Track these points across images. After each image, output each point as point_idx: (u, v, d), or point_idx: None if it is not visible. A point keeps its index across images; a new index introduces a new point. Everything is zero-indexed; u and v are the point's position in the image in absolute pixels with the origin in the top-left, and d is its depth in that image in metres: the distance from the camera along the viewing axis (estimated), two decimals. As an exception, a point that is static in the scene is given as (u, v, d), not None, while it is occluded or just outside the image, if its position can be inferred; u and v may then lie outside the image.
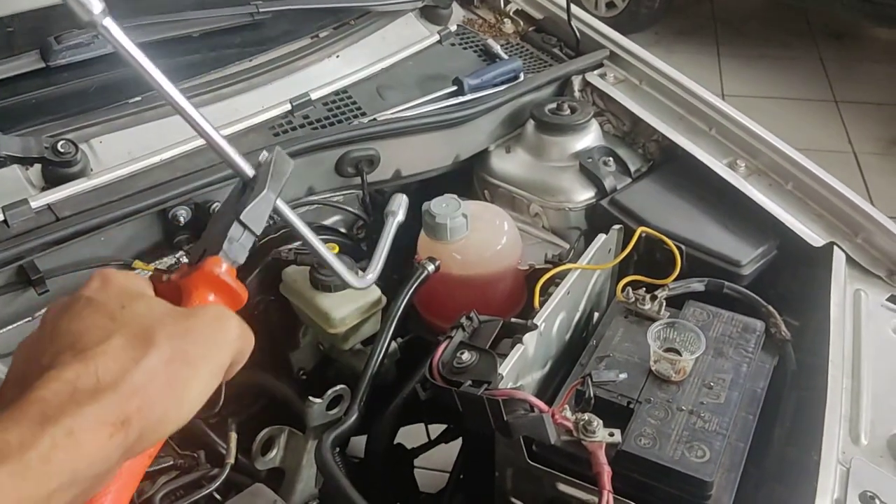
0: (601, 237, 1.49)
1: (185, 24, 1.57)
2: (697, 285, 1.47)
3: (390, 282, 1.55)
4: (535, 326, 1.30)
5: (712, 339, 1.35)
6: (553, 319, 1.36)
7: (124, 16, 1.50)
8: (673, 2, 5.84)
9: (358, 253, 1.72)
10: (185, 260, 1.39)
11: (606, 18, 5.44)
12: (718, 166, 1.65)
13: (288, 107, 1.55)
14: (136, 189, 1.34)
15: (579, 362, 1.36)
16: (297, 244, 1.54)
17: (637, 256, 1.58)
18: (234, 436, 1.33)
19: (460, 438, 1.98)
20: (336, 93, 1.63)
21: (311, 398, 1.32)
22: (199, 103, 1.52)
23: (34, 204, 1.27)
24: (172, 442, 1.33)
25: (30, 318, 1.34)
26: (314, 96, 1.59)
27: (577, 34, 1.91)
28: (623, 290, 1.44)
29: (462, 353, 1.24)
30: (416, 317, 1.65)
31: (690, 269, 1.51)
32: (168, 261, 1.41)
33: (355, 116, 1.61)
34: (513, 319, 1.34)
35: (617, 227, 1.53)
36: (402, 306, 1.44)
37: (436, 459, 2.07)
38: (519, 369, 1.28)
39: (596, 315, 1.58)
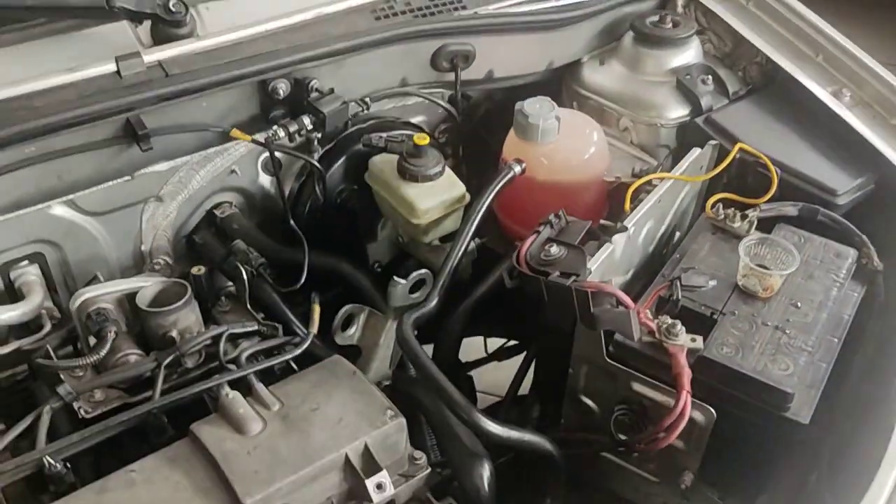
0: (696, 150, 1.47)
1: None
2: (791, 209, 1.45)
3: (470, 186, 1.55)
4: (626, 228, 1.29)
5: (803, 262, 1.33)
6: (641, 225, 1.35)
7: None
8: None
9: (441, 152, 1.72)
10: (281, 133, 1.40)
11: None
12: (822, 94, 1.60)
13: (391, -10, 1.54)
14: (240, 56, 1.35)
15: (661, 273, 1.35)
16: (388, 133, 1.55)
17: (727, 178, 1.55)
18: (316, 308, 1.36)
19: (515, 357, 2.01)
20: (439, -17, 1.61)
21: (395, 278, 1.34)
22: (302, -22, 1.51)
23: (146, 58, 1.29)
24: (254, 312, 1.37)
25: (129, 177, 1.37)
26: (417, -17, 1.57)
27: (686, -51, 1.84)
28: (713, 207, 1.42)
29: (551, 247, 1.24)
30: (492, 224, 1.65)
31: (783, 194, 1.48)
32: (263, 134, 1.42)
33: (455, 9, 1.59)
34: (602, 221, 1.33)
35: (713, 142, 1.50)
36: (486, 204, 1.43)
37: (484, 382, 2.10)
38: (604, 269, 1.28)
39: (678, 234, 1.57)
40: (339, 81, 1.48)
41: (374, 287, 1.50)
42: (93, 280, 1.42)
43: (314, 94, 1.42)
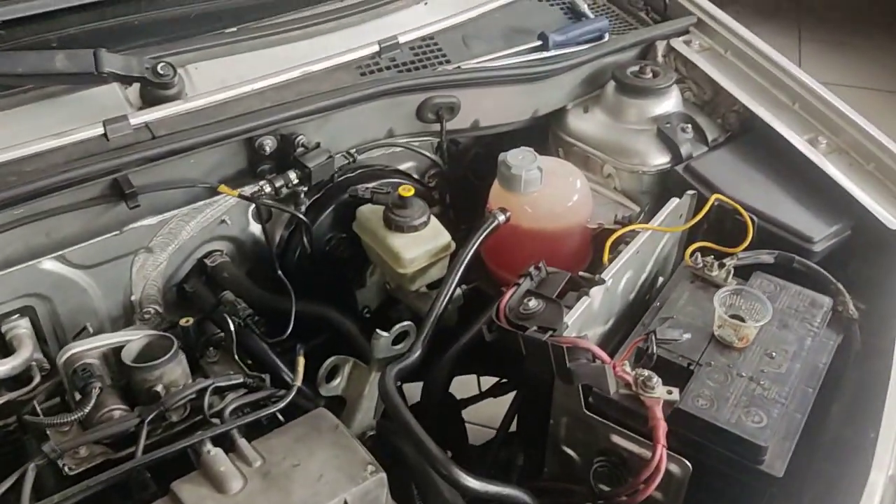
0: (674, 201, 1.50)
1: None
2: (767, 257, 1.47)
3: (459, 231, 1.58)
4: (603, 281, 1.32)
5: (778, 311, 1.35)
6: (620, 277, 1.38)
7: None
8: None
9: (429, 199, 1.76)
10: (267, 188, 1.44)
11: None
12: (798, 141, 1.63)
13: (376, 48, 1.58)
14: (227, 115, 1.39)
15: (642, 322, 1.38)
16: (374, 183, 1.58)
17: (707, 225, 1.58)
18: (301, 360, 1.38)
19: (510, 393, 2.03)
20: (423, 38, 1.65)
21: (378, 331, 1.36)
22: (288, 39, 1.56)
23: (133, 121, 1.33)
24: (241, 363, 1.39)
25: (118, 232, 1.41)
26: (402, 40, 1.61)
27: (666, 1, 1.89)
28: (692, 255, 1.45)
29: (529, 300, 1.27)
30: (481, 269, 1.68)
31: (760, 241, 1.50)
32: (251, 188, 1.45)
33: (440, 63, 1.63)
34: (581, 273, 1.36)
35: (691, 192, 1.53)
36: (471, 252, 1.46)
37: (480, 414, 2.13)
38: (583, 321, 1.30)
39: (661, 280, 1.59)
40: (326, 135, 1.52)
41: (362, 334, 1.52)
42: (82, 332, 1.44)
43: (300, 150, 1.46)
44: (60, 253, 1.37)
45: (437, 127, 1.67)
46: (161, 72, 1.37)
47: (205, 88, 1.45)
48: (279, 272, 1.52)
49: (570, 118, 1.82)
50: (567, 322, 1.24)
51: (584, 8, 1.87)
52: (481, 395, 2.17)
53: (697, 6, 1.90)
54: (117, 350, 1.31)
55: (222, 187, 1.41)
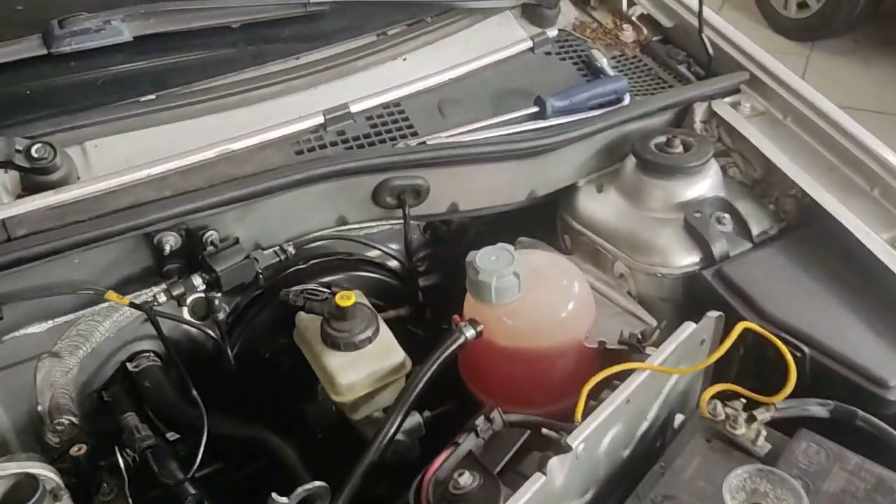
0: (689, 327, 1.12)
1: (225, 12, 1.34)
2: (818, 409, 1.08)
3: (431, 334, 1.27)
4: (568, 448, 0.96)
5: (827, 497, 0.96)
6: (601, 436, 1.02)
7: (154, -2, 1.30)
8: (879, 7, 4.97)
9: (403, 295, 1.45)
10: (162, 298, 1.16)
11: (796, 20, 4.61)
12: (875, 242, 1.23)
13: (320, 119, 1.29)
14: (113, 207, 1.12)
15: (636, 493, 1.01)
16: (310, 285, 1.29)
17: (743, 351, 1.20)
18: None
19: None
20: (385, 105, 1.35)
21: (273, 496, 1.06)
22: (220, 107, 1.29)
23: (-12, 217, 1.09)
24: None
25: (-1, 342, 1.17)
26: (356, 108, 1.31)
27: (710, 49, 1.52)
28: (709, 403, 1.07)
29: (461, 474, 0.93)
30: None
31: (815, 380, 1.12)
32: (148, 292, 1.18)
33: (403, 136, 1.32)
34: (544, 430, 1.01)
35: (714, 314, 1.15)
36: (426, 377, 1.15)
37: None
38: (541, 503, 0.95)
39: (678, 418, 1.22)
40: (251, 227, 1.24)
41: (302, 462, 1.23)
42: None
43: (209, 248, 1.18)
44: None
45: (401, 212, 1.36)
46: (36, 154, 1.12)
47: (103, 171, 1.19)
48: (193, 391, 1.24)
49: (580, 199, 1.47)
50: (507, 513, 0.89)
51: (603, 63, 1.52)
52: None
53: (750, 58, 1.51)
54: (-18, 488, 1.08)
55: (110, 294, 1.15)
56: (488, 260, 1.21)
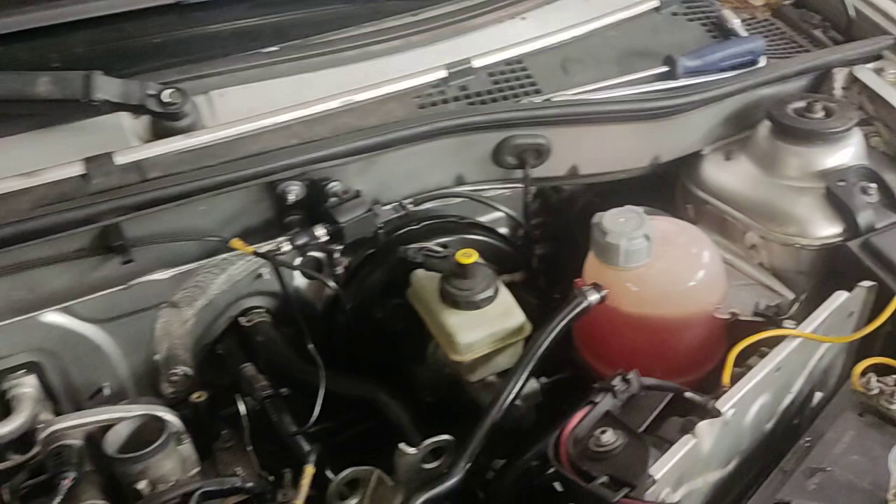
0: (840, 296, 1.05)
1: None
2: (981, 388, 0.99)
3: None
4: (718, 413, 0.90)
5: None
6: (749, 403, 0.95)
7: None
8: None
9: (515, 261, 1.40)
10: (286, 247, 1.15)
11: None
12: None
13: (443, 73, 1.25)
14: (240, 155, 1.11)
15: (781, 467, 0.96)
16: (433, 242, 1.26)
17: (893, 328, 1.11)
18: (309, 470, 1.08)
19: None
20: (507, 62, 1.30)
21: (401, 446, 1.03)
22: (340, 61, 1.27)
23: (122, 159, 1.09)
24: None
25: (124, 287, 1.17)
26: (478, 63, 1.27)
27: (850, 11, 1.42)
28: (863, 376, 0.99)
29: (604, 432, 0.88)
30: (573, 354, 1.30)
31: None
32: (271, 243, 1.17)
33: (526, 94, 1.28)
34: (688, 394, 0.95)
35: (867, 283, 1.07)
36: (548, 341, 1.11)
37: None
38: (685, 470, 0.90)
39: (818, 396, 1.14)
40: (372, 181, 1.21)
41: (418, 425, 1.20)
42: (98, 393, 1.26)
43: (332, 200, 1.16)
44: (66, 305, 1.17)
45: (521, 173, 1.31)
46: (166, 99, 1.12)
47: (228, 119, 1.18)
48: (310, 345, 1.22)
49: (705, 167, 1.39)
50: (654, 475, 0.84)
51: (736, 24, 1.44)
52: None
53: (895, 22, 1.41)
54: (107, 429, 1.10)
55: (235, 242, 1.14)
56: (616, 221, 1.16)
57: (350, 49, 1.28)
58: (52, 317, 1.16)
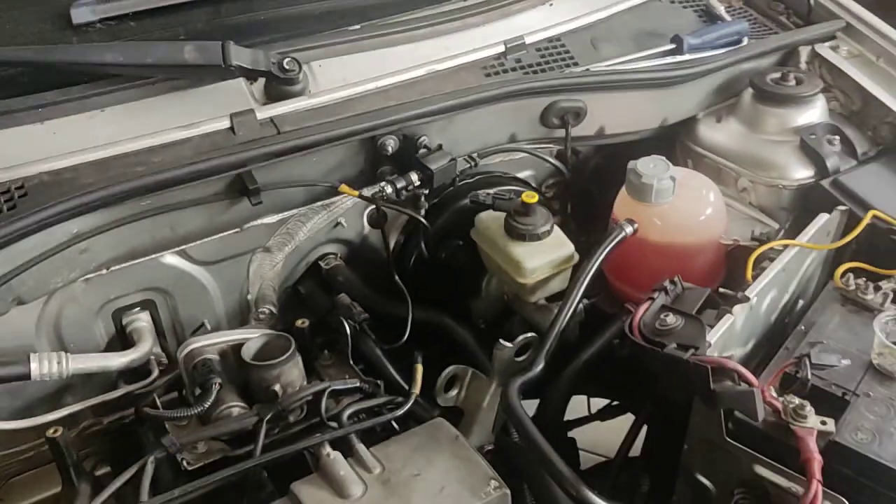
0: (823, 216, 1.37)
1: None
2: (930, 281, 1.33)
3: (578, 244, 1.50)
4: (747, 298, 1.21)
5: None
6: (764, 295, 1.26)
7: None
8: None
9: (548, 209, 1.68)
10: (388, 189, 1.39)
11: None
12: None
13: (501, 48, 1.53)
14: (350, 113, 1.36)
15: (785, 346, 1.26)
16: (496, 189, 1.53)
17: (856, 246, 1.45)
18: (419, 367, 1.33)
19: (618, 418, 1.92)
20: (549, 39, 1.59)
21: (501, 341, 1.29)
22: (411, 38, 1.53)
23: (259, 115, 1.32)
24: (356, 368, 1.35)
25: (238, 230, 1.39)
26: (528, 41, 1.55)
27: (811, 1, 1.76)
28: (842, 276, 1.32)
29: (666, 316, 1.18)
30: (602, 284, 1.59)
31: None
32: (371, 189, 1.41)
33: (567, 66, 1.57)
34: (721, 290, 1.26)
35: (842, 207, 1.40)
36: (596, 265, 1.38)
37: (585, 439, 2.00)
38: (724, 341, 1.20)
39: (801, 303, 1.47)
40: (448, 138, 1.47)
41: (478, 344, 1.47)
42: (200, 328, 1.45)
43: (422, 151, 1.42)
44: (182, 248, 1.37)
45: (559, 133, 1.59)
46: (287, 67, 1.35)
47: (328, 86, 1.42)
48: (396, 277, 1.47)
49: (701, 128, 1.71)
50: (709, 341, 1.14)
51: (721, 10, 1.76)
52: (590, 418, 2.06)
53: (845, 9, 1.76)
54: (236, 348, 1.30)
55: (343, 187, 1.38)
56: (648, 167, 1.45)
57: (418, 28, 1.54)
58: (170, 259, 1.36)
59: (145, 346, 1.37)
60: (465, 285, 1.61)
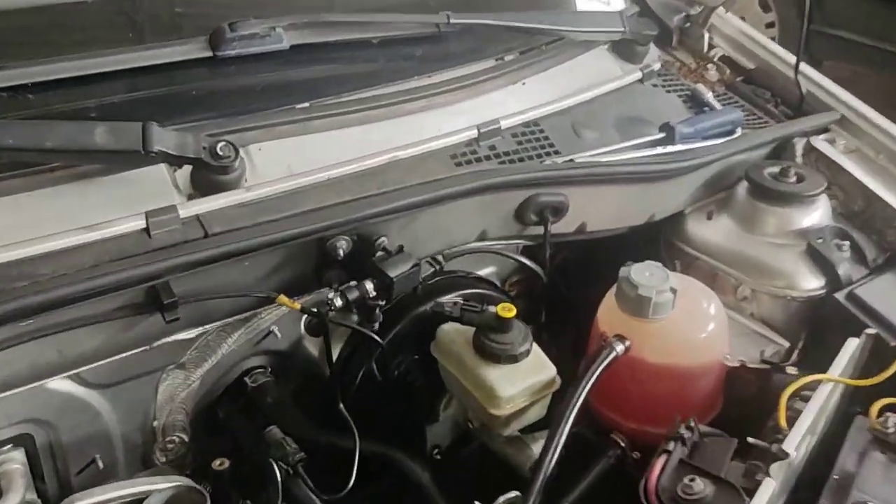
0: (853, 342, 1.18)
1: (365, 27, 1.35)
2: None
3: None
4: (786, 454, 0.99)
5: None
6: (802, 446, 1.04)
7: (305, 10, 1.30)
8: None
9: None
10: (338, 302, 1.14)
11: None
12: None
13: (474, 133, 1.31)
14: (296, 210, 1.10)
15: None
16: (461, 295, 1.29)
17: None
18: None
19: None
20: (526, 124, 1.38)
21: (476, 504, 1.04)
22: (371, 118, 1.30)
23: (182, 213, 1.05)
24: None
25: (147, 347, 1.12)
26: (504, 125, 1.33)
27: (802, 91, 1.61)
28: (880, 416, 1.11)
29: (691, 480, 0.94)
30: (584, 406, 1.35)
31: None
32: (313, 298, 1.16)
33: (547, 154, 1.36)
34: (751, 440, 1.03)
35: (870, 331, 1.21)
36: (584, 394, 1.15)
37: None
38: (764, 513, 0.97)
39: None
40: (409, 237, 1.24)
41: (434, 483, 1.22)
42: (89, 465, 1.19)
43: (380, 254, 1.17)
44: (75, 372, 1.09)
45: (535, 230, 1.37)
46: (221, 153, 1.10)
47: (269, 175, 1.17)
48: (340, 406, 1.21)
49: (690, 225, 1.52)
50: (750, 517, 0.91)
51: (710, 97, 1.60)
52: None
53: (839, 99, 1.62)
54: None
55: (282, 298, 1.12)
56: (643, 275, 1.24)
57: (377, 107, 1.31)
58: (57, 384, 1.10)
59: (15, 497, 1.08)
60: (419, 408, 1.35)
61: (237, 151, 1.11)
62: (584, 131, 1.43)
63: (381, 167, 1.20)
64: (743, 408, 1.30)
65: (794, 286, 1.37)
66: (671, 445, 1.00)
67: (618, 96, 1.54)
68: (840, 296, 1.33)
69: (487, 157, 1.31)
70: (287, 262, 1.16)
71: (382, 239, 1.18)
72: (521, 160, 1.33)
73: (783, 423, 1.04)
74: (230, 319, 1.19)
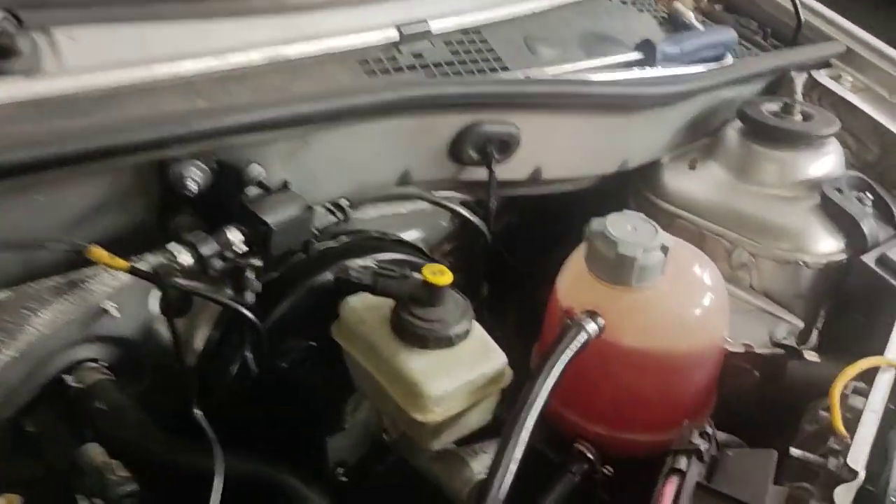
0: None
1: None
2: None
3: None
4: (854, 474, 0.66)
5: None
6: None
7: None
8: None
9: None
10: (186, 259, 0.76)
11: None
12: None
13: (394, 35, 0.94)
14: (121, 115, 0.72)
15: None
16: (374, 258, 0.93)
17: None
18: None
19: None
20: (465, 31, 1.03)
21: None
22: (256, 8, 0.91)
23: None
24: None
25: None
26: (435, 27, 0.98)
27: (801, 17, 1.32)
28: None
29: (721, 515, 0.61)
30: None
31: None
32: (154, 258, 0.78)
33: (492, 70, 1.01)
34: (796, 452, 0.70)
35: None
36: (546, 392, 0.82)
37: None
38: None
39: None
40: (299, 171, 0.87)
41: None
42: None
43: (252, 190, 0.80)
44: None
45: (474, 174, 1.03)
46: (-4, 25, 0.70)
47: (79, 64, 0.78)
48: (195, 410, 0.84)
49: (668, 176, 1.21)
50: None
51: (691, 17, 1.28)
52: None
53: (844, 31, 1.33)
54: None
55: (95, 250, 0.74)
56: (623, 228, 0.91)
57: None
58: None
59: None
60: (318, 413, 0.99)
61: (19, 22, 0.72)
62: (539, 47, 1.09)
63: (257, 69, 0.82)
64: (740, 406, 1.01)
65: (805, 249, 1.07)
66: (682, 463, 0.67)
67: (580, 9, 1.20)
68: (869, 258, 1.02)
69: (411, 67, 0.95)
70: (113, 200, 0.78)
71: (257, 168, 0.80)
72: (456, 73, 0.97)
73: (840, 427, 0.72)
74: (36, 284, 0.80)
